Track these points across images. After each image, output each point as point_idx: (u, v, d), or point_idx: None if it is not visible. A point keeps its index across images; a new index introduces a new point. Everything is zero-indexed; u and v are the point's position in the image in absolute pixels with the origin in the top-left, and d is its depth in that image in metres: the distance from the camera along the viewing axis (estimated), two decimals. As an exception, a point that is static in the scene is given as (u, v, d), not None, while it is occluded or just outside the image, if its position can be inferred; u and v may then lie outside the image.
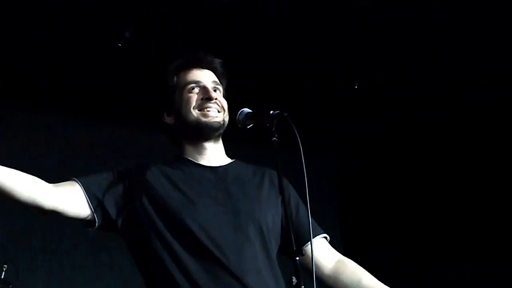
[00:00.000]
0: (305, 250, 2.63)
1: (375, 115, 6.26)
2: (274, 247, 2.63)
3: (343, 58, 5.61)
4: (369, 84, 5.89)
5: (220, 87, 2.80)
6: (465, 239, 6.14)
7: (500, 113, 6.02)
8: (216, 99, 2.72)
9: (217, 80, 2.80)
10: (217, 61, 2.83)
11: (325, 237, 2.82)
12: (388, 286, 2.72)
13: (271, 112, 2.50)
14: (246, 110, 2.61)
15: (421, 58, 5.64)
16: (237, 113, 2.59)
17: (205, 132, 2.70)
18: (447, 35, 5.41)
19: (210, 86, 2.76)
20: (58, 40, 5.18)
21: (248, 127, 2.61)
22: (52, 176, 2.60)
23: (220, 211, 2.57)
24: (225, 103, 2.76)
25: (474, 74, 5.76)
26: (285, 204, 2.38)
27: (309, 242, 2.63)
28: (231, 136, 2.81)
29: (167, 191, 2.59)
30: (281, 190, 2.38)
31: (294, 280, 2.40)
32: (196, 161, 2.71)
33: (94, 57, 5.35)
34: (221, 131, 2.74)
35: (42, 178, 2.48)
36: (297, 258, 2.32)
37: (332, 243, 2.86)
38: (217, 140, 2.76)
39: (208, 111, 2.71)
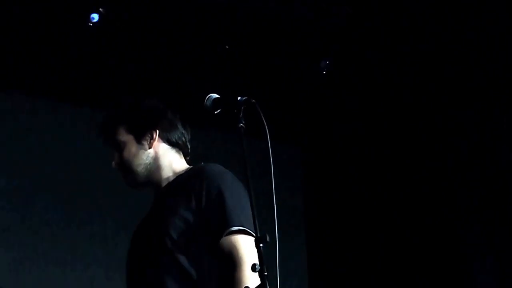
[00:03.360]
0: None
1: (347, 107, 6.31)
2: (189, 249, 2.64)
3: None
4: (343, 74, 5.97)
5: (118, 142, 2.87)
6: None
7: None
8: (115, 164, 2.87)
9: (116, 135, 2.88)
10: (104, 123, 2.93)
11: (236, 230, 2.60)
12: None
13: (239, 98, 2.51)
14: (214, 95, 2.60)
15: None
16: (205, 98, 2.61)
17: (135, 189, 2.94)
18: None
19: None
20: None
21: (215, 112, 2.62)
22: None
23: (136, 245, 2.81)
24: (125, 157, 2.85)
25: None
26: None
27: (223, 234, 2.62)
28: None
29: None
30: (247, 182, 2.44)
31: (258, 266, 2.43)
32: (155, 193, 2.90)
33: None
34: (137, 180, 2.87)
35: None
36: (261, 245, 2.34)
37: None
38: (151, 177, 2.86)
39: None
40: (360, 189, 6.38)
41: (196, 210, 2.61)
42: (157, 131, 2.87)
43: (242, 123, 2.45)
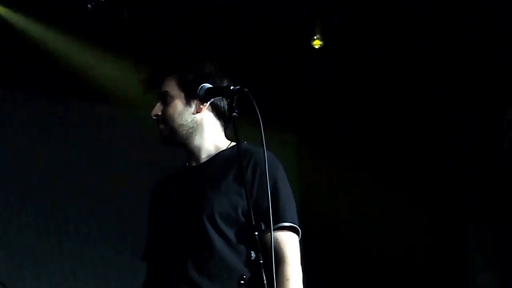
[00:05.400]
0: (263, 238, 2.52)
1: (347, 107, 6.33)
2: (230, 231, 2.60)
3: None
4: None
5: (167, 91, 2.75)
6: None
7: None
8: (155, 115, 2.76)
9: (165, 85, 2.76)
10: (159, 68, 2.83)
11: (287, 226, 2.59)
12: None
13: (232, 87, 2.52)
14: (207, 85, 2.62)
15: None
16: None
17: (166, 145, 2.81)
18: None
19: (158, 99, 2.79)
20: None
21: (208, 102, 2.67)
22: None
23: (173, 213, 2.70)
24: (169, 112, 2.73)
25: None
26: (245, 190, 2.45)
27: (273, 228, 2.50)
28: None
29: (155, 215, 2.81)
30: (242, 174, 2.46)
31: (253, 254, 2.44)
32: (187, 164, 2.79)
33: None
34: (173, 138, 2.75)
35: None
36: (256, 233, 2.36)
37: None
38: (189, 141, 2.75)
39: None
40: (359, 188, 6.39)
41: (246, 197, 2.49)
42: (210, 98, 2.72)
43: (235, 113, 2.45)
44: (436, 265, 5.93)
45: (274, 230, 2.49)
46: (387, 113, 6.23)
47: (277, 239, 2.53)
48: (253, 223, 2.37)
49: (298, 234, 2.62)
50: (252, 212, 2.39)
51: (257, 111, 2.40)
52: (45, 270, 5.53)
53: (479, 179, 5.85)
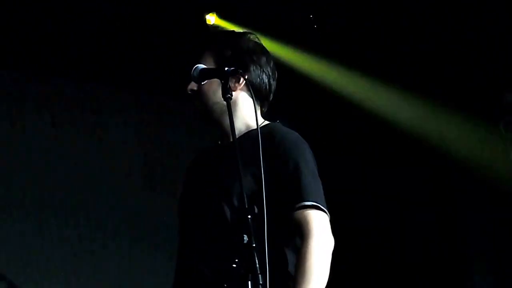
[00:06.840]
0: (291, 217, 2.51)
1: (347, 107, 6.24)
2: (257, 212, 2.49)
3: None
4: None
5: (198, 65, 2.66)
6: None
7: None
8: (191, 90, 2.71)
9: (203, 60, 2.70)
10: (201, 42, 2.81)
11: (309, 205, 2.51)
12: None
13: (226, 68, 2.49)
14: (201, 66, 2.60)
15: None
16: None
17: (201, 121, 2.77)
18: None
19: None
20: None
21: (202, 83, 2.64)
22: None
23: (197, 193, 2.69)
24: (204, 90, 2.67)
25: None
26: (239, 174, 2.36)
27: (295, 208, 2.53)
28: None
29: (184, 192, 2.79)
30: (235, 154, 2.38)
31: (246, 238, 2.42)
32: (218, 142, 2.76)
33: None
34: (207, 116, 2.71)
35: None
36: (249, 216, 2.33)
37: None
38: (223, 120, 2.69)
39: None
40: (359, 186, 6.39)
41: (266, 180, 2.41)
42: (246, 76, 2.63)
43: (229, 94, 2.43)
44: (435, 265, 5.91)
45: (297, 209, 2.49)
46: (387, 114, 6.21)
47: (300, 217, 2.50)
48: (246, 206, 2.35)
49: (325, 213, 2.55)
50: (245, 195, 2.34)
51: (252, 93, 2.43)
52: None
53: (479, 178, 5.83)
